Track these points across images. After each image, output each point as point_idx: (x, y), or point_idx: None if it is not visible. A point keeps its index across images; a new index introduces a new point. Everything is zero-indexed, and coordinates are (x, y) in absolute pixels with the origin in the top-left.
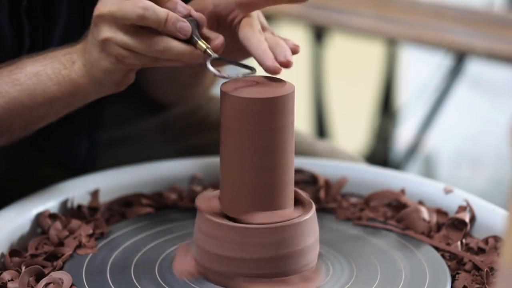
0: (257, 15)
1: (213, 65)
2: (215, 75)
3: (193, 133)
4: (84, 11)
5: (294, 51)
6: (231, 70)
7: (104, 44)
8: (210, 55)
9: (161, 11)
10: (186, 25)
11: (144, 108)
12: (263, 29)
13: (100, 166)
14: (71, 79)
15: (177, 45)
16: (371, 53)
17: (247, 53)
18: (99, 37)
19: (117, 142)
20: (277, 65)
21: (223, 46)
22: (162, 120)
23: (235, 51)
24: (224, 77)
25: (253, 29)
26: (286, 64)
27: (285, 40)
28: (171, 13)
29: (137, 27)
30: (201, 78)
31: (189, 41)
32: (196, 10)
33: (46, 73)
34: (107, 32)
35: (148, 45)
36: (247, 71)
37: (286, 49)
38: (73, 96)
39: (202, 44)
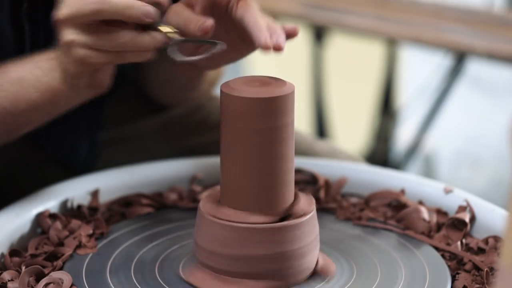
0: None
1: (183, 51)
2: (180, 60)
3: (193, 133)
4: None
5: (293, 33)
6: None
7: (67, 47)
8: (171, 39)
9: (119, 1)
10: (151, 8)
11: (145, 108)
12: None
13: (100, 167)
14: (50, 86)
15: (138, 35)
16: (371, 53)
17: (246, 44)
18: (62, 41)
19: (118, 142)
20: (269, 43)
21: (212, 28)
22: (163, 120)
23: (233, 42)
24: (191, 60)
25: (251, 8)
26: (277, 47)
27: (282, 27)
28: (132, 1)
29: (102, 24)
30: (197, 82)
31: (152, 29)
32: (189, 3)
33: (28, 79)
34: (70, 34)
35: (109, 40)
36: (215, 47)
37: (280, 35)
38: (55, 103)
39: (163, 28)
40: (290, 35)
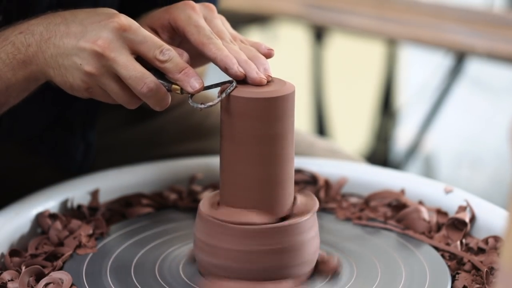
0: (220, 23)
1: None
2: (201, 109)
3: (189, 138)
4: None
5: (269, 55)
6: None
7: (87, 75)
8: (188, 93)
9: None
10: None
11: (139, 113)
12: (233, 37)
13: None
14: (25, 64)
15: (162, 87)
16: (371, 53)
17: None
18: (86, 68)
19: (113, 148)
20: (263, 76)
21: (188, 62)
22: (158, 125)
23: (197, 56)
24: (211, 105)
25: (226, 45)
26: (269, 79)
27: (257, 44)
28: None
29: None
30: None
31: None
32: (155, 26)
33: (0, 58)
34: (98, 69)
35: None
36: (231, 85)
37: (264, 62)
38: (29, 81)
39: (176, 86)
40: (266, 57)
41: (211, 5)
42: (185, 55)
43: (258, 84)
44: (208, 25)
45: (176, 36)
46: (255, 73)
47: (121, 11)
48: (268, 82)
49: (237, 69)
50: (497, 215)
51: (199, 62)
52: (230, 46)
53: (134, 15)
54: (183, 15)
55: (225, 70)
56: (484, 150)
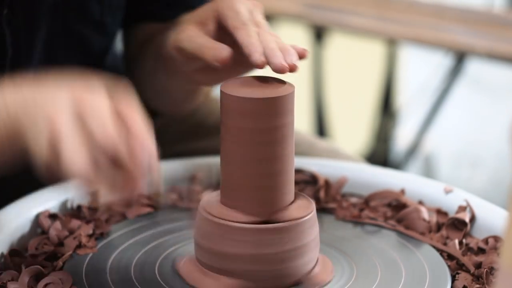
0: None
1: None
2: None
3: (191, 137)
4: (68, 17)
5: (302, 55)
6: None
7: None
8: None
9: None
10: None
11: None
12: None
13: None
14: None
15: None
16: (371, 53)
17: (243, 66)
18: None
19: None
20: (285, 64)
21: (229, 59)
22: (159, 124)
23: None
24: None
25: (243, 26)
26: (292, 68)
27: (292, 46)
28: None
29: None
30: (195, 95)
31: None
32: (202, 18)
33: None
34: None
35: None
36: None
37: (294, 54)
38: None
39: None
40: (300, 56)
41: (259, 4)
42: (227, 50)
43: (279, 72)
44: (249, 15)
45: (222, 32)
46: (279, 59)
47: (128, 9)
48: (292, 70)
49: (258, 57)
50: (497, 215)
51: (242, 68)
52: (265, 35)
53: (138, 14)
54: (227, 3)
55: (248, 56)
56: (484, 150)
